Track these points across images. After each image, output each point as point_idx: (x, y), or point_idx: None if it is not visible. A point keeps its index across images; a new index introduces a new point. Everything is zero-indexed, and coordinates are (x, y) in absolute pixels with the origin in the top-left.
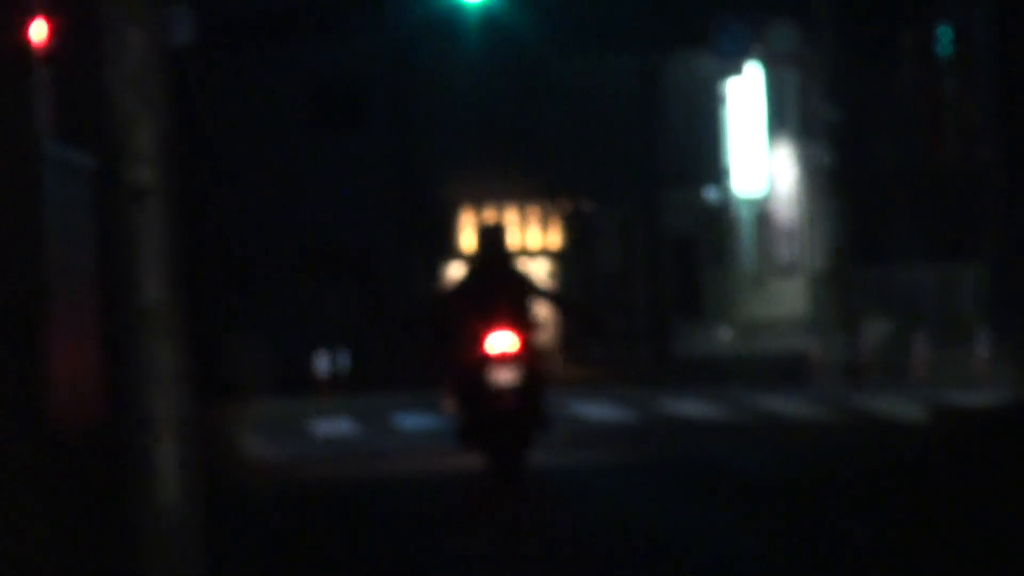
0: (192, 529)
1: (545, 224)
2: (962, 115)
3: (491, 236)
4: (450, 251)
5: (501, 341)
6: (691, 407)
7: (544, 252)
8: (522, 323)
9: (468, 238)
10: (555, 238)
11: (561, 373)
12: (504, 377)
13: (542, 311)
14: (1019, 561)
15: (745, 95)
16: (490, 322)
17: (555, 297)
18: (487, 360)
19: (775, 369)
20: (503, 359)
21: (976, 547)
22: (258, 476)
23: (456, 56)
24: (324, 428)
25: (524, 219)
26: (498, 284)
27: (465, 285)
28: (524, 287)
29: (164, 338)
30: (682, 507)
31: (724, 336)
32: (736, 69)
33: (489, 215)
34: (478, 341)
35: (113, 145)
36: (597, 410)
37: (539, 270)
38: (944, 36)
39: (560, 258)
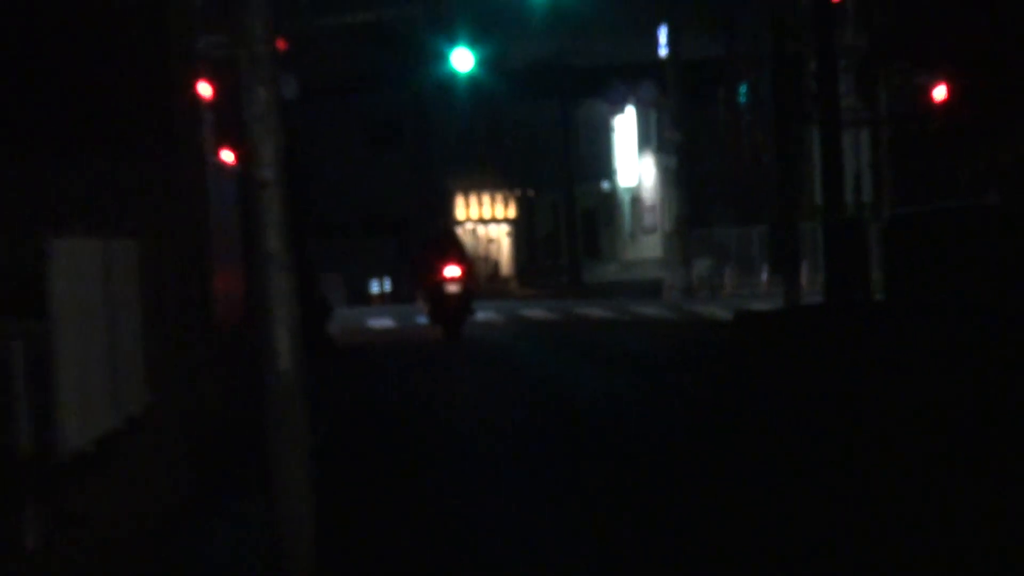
0: (300, 384)
1: (506, 203)
2: (753, 139)
3: (443, 226)
4: (451, 219)
5: (451, 271)
6: (592, 311)
7: (505, 220)
8: (462, 263)
9: (460, 211)
10: (512, 212)
11: (516, 292)
12: (452, 289)
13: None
14: (789, 386)
15: (625, 125)
16: (445, 262)
17: (468, 257)
18: (444, 280)
19: (642, 289)
20: (452, 280)
21: (756, 384)
22: (337, 342)
23: (452, 101)
24: (374, 322)
25: (493, 200)
26: (448, 246)
27: (423, 244)
28: (460, 247)
29: (281, 271)
30: (578, 364)
31: (613, 270)
32: (620, 110)
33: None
34: (439, 271)
35: (249, 156)
36: (535, 313)
37: (502, 231)
38: (742, 90)
39: (514, 224)
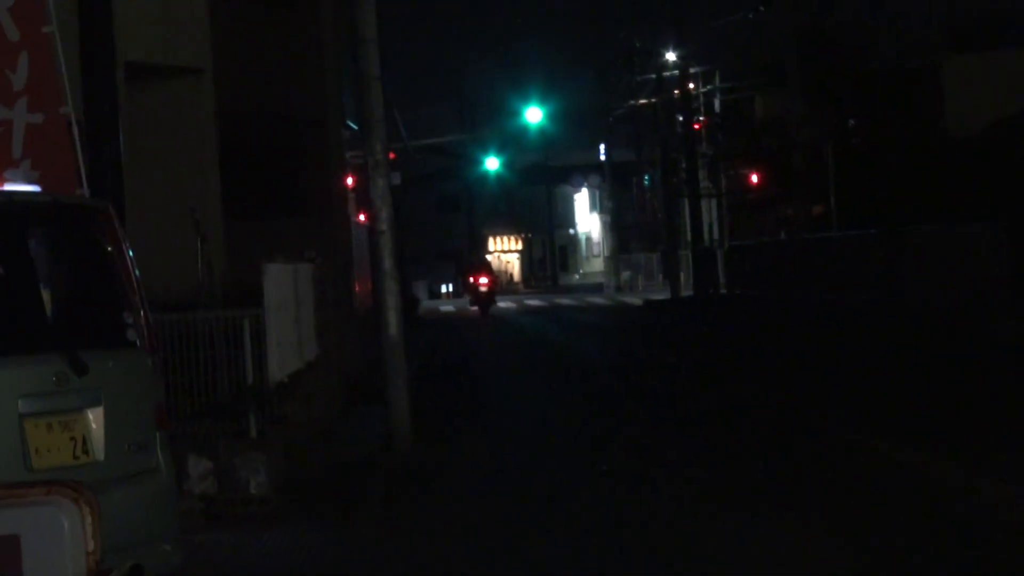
0: (401, 341)
1: (516, 240)
2: (653, 204)
3: (479, 255)
4: (485, 250)
5: (483, 280)
6: (564, 300)
7: (516, 251)
8: (489, 275)
9: (491, 245)
10: (520, 245)
11: (522, 290)
12: (483, 289)
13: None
14: (687, 342)
15: (582, 196)
16: (479, 274)
17: (493, 271)
18: (478, 284)
19: (592, 288)
20: (483, 285)
21: (654, 336)
22: (423, 320)
23: (486, 185)
24: (443, 308)
25: (509, 239)
26: (480, 265)
27: (468, 264)
28: (488, 265)
29: (391, 280)
30: (554, 327)
31: (576, 278)
32: (579, 190)
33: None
34: (476, 280)
35: (373, 216)
36: (533, 302)
37: (514, 256)
38: (647, 177)
39: (521, 252)
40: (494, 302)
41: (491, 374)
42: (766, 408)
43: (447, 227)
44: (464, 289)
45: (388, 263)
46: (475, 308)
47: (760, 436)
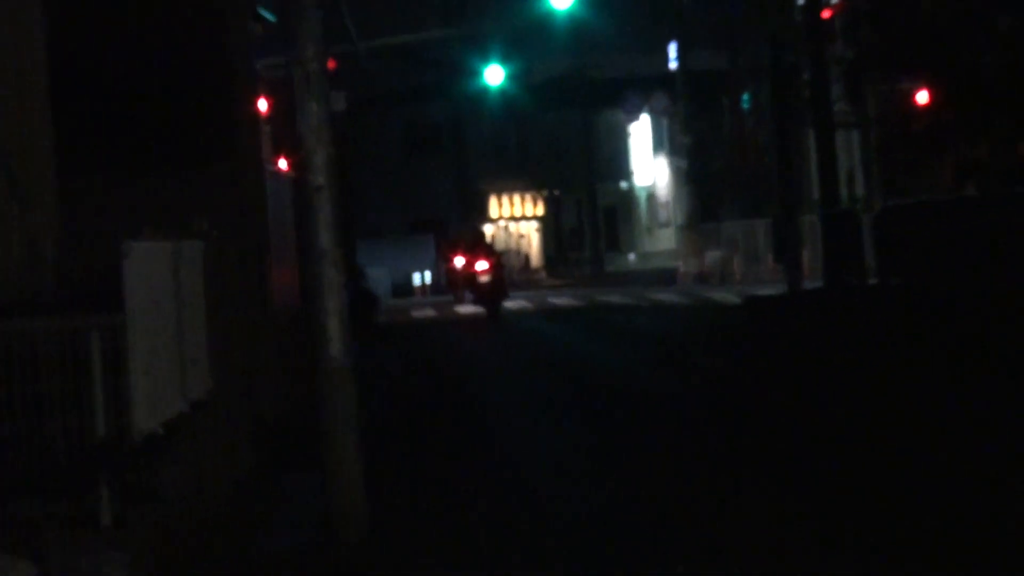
0: (348, 366)
1: (534, 202)
2: (756, 141)
3: (474, 226)
4: (485, 218)
5: (480, 264)
6: (612, 297)
7: (534, 218)
8: (490, 256)
9: (494, 211)
10: (540, 209)
11: (545, 282)
12: (484, 279)
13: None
14: (794, 363)
15: (641, 130)
16: (473, 256)
17: (495, 251)
18: (473, 272)
19: (658, 277)
20: (481, 273)
21: (761, 358)
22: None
23: (485, 112)
24: (417, 312)
25: (523, 200)
26: (475, 242)
27: (456, 240)
28: (488, 242)
29: (331, 266)
30: (601, 343)
31: (631, 261)
32: (635, 118)
33: (481, 212)
34: (470, 264)
35: (303, 163)
36: (562, 300)
37: (531, 227)
38: (745, 98)
39: (542, 220)
40: (501, 300)
41: (492, 424)
42: None
43: (423, 180)
44: (450, 281)
45: (326, 239)
46: (469, 309)
47: None
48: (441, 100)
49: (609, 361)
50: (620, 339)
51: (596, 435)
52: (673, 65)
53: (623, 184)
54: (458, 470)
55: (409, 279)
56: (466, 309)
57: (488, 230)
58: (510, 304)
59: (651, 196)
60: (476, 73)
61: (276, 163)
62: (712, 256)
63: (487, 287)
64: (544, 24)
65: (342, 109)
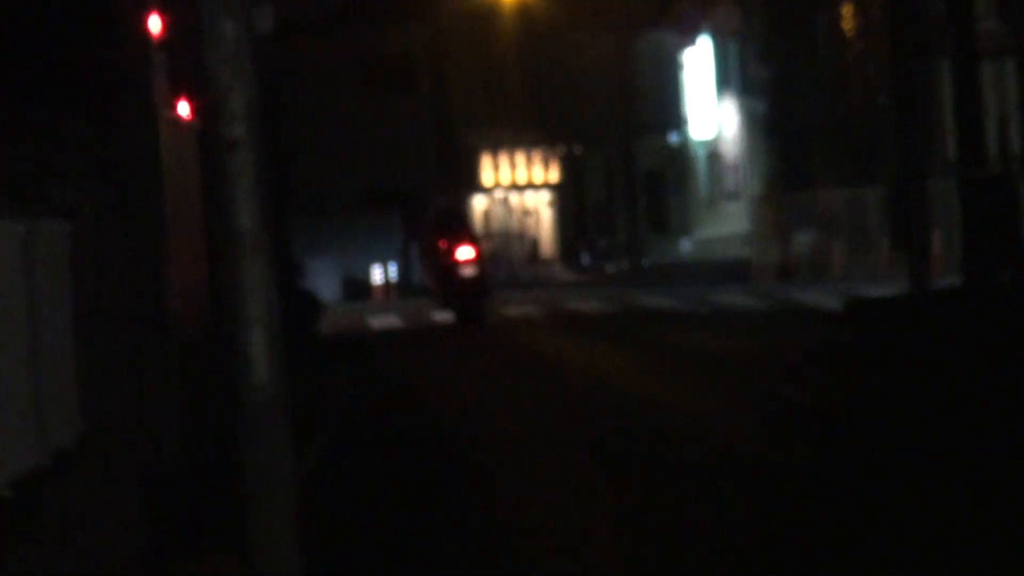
0: (281, 400)
1: (546, 164)
2: (865, 72)
3: (450, 208)
4: (474, 186)
5: (460, 251)
6: (658, 300)
7: (546, 186)
8: (472, 241)
9: (488, 176)
10: (554, 175)
11: (561, 278)
12: (463, 274)
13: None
14: (912, 413)
15: (698, 60)
16: (450, 239)
17: (473, 233)
18: (449, 261)
19: (724, 272)
20: (461, 263)
21: (888, 407)
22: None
23: (479, 35)
24: (376, 321)
25: (530, 160)
26: (450, 220)
27: (428, 220)
28: (466, 222)
29: (255, 255)
30: (644, 373)
31: (685, 248)
32: (691, 41)
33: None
34: (444, 250)
35: (214, 109)
36: (585, 305)
37: (542, 199)
38: (849, 12)
39: (558, 189)
40: (484, 300)
41: (478, 493)
42: None
43: (387, 135)
44: (424, 273)
45: (248, 218)
46: (444, 315)
47: None
48: (413, 19)
49: (660, 402)
50: (672, 366)
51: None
52: None
53: (673, 137)
54: (432, 558)
55: (366, 275)
56: (445, 316)
57: (479, 205)
58: (512, 310)
59: (713, 155)
60: None
61: (175, 108)
62: (802, 240)
63: (471, 283)
64: None
65: (269, 31)
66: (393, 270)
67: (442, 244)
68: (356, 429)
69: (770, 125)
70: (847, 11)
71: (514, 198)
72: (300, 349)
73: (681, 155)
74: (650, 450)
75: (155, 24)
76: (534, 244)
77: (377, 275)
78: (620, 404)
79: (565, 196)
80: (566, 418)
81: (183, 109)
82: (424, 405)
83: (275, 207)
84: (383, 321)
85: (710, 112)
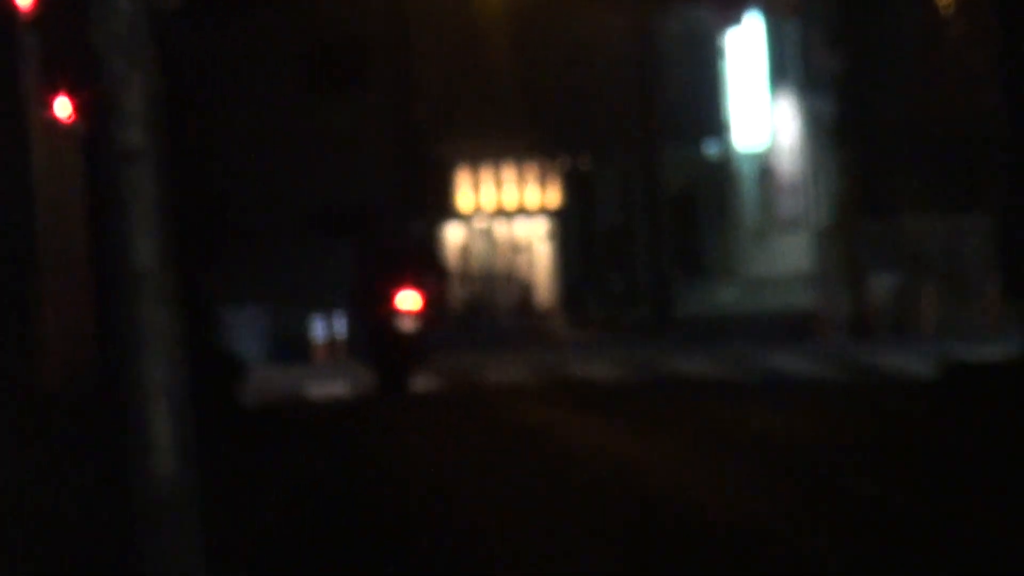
0: (188, 497)
1: (543, 182)
2: (967, 62)
3: (412, 228)
4: (449, 211)
5: (408, 301)
6: (692, 366)
7: (542, 211)
8: (424, 284)
9: (466, 199)
10: (553, 197)
11: (562, 333)
12: (407, 327)
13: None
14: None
15: (745, 46)
16: (396, 281)
17: (438, 265)
18: (388, 311)
19: (780, 326)
20: (408, 314)
21: (988, 511)
22: (259, 421)
23: (454, 11)
24: (316, 389)
25: (521, 177)
26: (396, 254)
27: (373, 252)
28: (426, 252)
29: (157, 303)
30: (668, 457)
31: (727, 294)
32: (735, 19)
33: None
34: (385, 296)
35: (102, 107)
36: (595, 370)
37: (537, 229)
38: None
39: (558, 216)
40: (425, 357)
41: None
42: None
43: (336, 144)
44: (350, 316)
45: (148, 250)
46: (375, 371)
47: None
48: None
49: (696, 504)
50: (713, 457)
51: None
52: None
53: (710, 148)
54: None
55: (304, 328)
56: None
57: (454, 236)
58: (496, 377)
59: (764, 172)
60: None
61: (51, 107)
62: (882, 284)
63: (407, 343)
64: None
65: (176, 7)
66: (341, 322)
67: (379, 285)
68: (292, 530)
69: (841, 133)
70: None
71: (500, 228)
72: (218, 424)
73: (721, 171)
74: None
75: None
76: (526, 289)
77: (319, 328)
78: (641, 505)
79: (568, 225)
80: (568, 537)
81: (62, 108)
82: (374, 523)
83: (185, 237)
84: (326, 390)
85: (761, 115)
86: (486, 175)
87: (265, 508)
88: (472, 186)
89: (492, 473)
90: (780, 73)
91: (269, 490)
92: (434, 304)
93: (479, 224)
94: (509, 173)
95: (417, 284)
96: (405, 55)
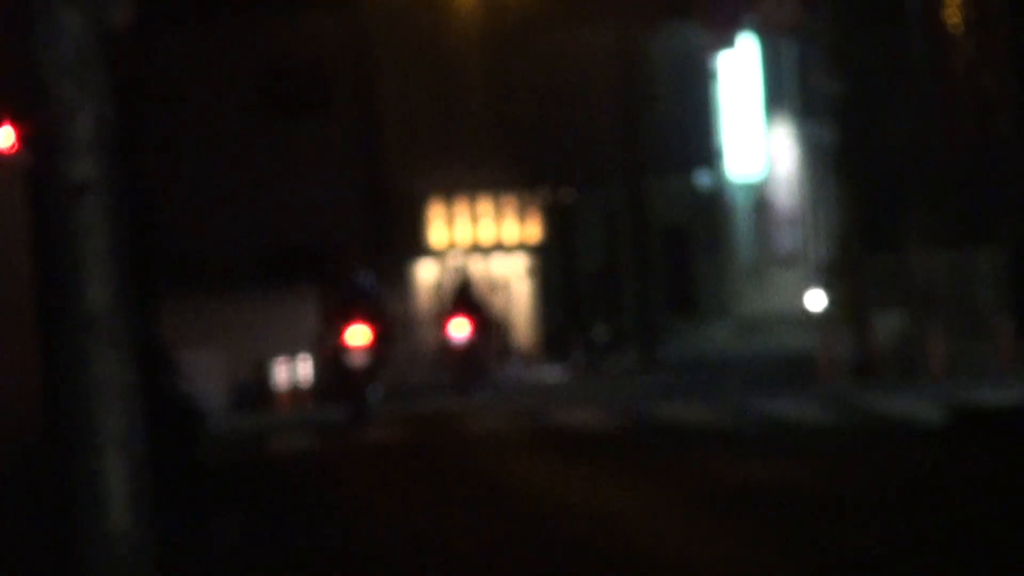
0: (145, 557)
1: (522, 216)
2: (977, 86)
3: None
4: (420, 248)
5: (357, 335)
6: (685, 412)
7: (522, 247)
8: (377, 322)
9: (439, 234)
10: (534, 231)
11: (542, 378)
12: (356, 361)
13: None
14: None
15: (739, 69)
16: (349, 319)
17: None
18: (347, 349)
19: (777, 368)
20: (358, 349)
21: (1003, 572)
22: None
23: (424, 32)
24: (280, 443)
25: (499, 211)
26: (353, 292)
27: (342, 295)
28: (375, 300)
29: (109, 348)
30: (659, 510)
31: (721, 334)
32: (728, 41)
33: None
34: (341, 333)
35: (51, 137)
36: (580, 416)
37: (515, 268)
38: (953, 2)
39: (540, 252)
40: (371, 384)
41: None
42: None
43: (295, 168)
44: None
45: (99, 294)
46: (382, 433)
47: None
48: (327, 10)
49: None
50: (707, 510)
51: None
52: None
53: (702, 178)
54: None
55: (266, 374)
56: (379, 434)
57: (426, 274)
58: (475, 426)
59: (760, 203)
60: None
61: None
62: (887, 324)
63: (357, 376)
64: None
65: (128, 26)
66: (306, 367)
67: (337, 320)
68: None
69: (841, 161)
70: None
71: (477, 265)
72: (176, 480)
73: (714, 203)
74: None
75: None
76: (505, 331)
77: (282, 374)
78: (629, 565)
79: (549, 262)
80: None
81: (5, 138)
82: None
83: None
84: (289, 443)
85: (756, 142)
86: (460, 208)
87: (224, 572)
88: (445, 220)
89: (467, 520)
90: (776, 98)
91: (230, 554)
92: (383, 338)
93: (451, 262)
94: (485, 206)
95: (365, 317)
96: (372, 80)
